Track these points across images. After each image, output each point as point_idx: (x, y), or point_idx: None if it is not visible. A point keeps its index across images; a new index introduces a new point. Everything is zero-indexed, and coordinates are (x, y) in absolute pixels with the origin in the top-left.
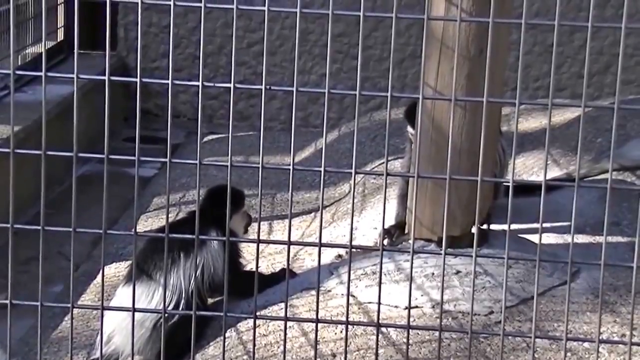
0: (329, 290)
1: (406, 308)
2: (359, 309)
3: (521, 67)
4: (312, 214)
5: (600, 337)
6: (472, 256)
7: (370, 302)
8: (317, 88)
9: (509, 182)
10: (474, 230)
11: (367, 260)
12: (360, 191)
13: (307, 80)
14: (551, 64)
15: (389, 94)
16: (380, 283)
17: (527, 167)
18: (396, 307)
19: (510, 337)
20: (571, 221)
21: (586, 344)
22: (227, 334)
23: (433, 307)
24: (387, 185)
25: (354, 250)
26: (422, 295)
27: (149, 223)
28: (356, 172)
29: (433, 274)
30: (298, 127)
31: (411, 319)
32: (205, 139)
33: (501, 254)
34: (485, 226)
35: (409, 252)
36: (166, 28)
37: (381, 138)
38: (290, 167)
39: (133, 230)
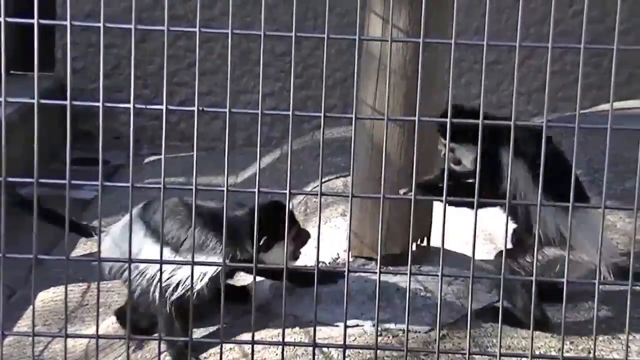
0: (271, 311)
1: (347, 327)
2: (300, 329)
3: (451, 86)
4: None
5: (536, 352)
6: (406, 274)
7: (311, 322)
8: (264, 108)
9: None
10: (414, 247)
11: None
12: (302, 210)
13: (250, 100)
14: (492, 80)
15: (322, 114)
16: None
17: None
18: (337, 326)
19: (449, 355)
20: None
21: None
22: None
23: (374, 325)
24: (328, 205)
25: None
26: (362, 314)
27: (88, 246)
28: (291, 193)
29: (373, 292)
30: (241, 146)
31: (352, 338)
32: (147, 160)
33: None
34: (425, 243)
35: (344, 271)
36: (106, 48)
37: (324, 157)
38: (225, 189)
39: (65, 255)
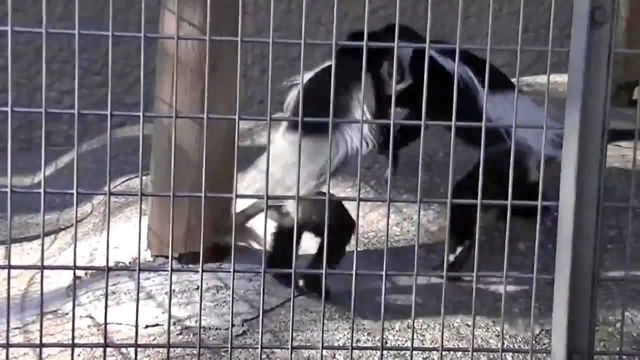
0: (67, 313)
1: (147, 326)
2: (98, 330)
3: (238, 84)
4: (52, 235)
5: (333, 344)
6: (199, 271)
7: (110, 323)
8: (62, 106)
9: (232, 196)
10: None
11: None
12: (102, 210)
13: (48, 97)
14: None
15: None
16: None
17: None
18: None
19: (250, 350)
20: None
21: (324, 352)
22: None
23: (175, 324)
24: (129, 204)
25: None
26: (163, 313)
27: None
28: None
29: (174, 290)
30: (39, 145)
31: (152, 338)
32: None
33: (244, 268)
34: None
35: (135, 270)
36: None
37: (124, 155)
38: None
39: None
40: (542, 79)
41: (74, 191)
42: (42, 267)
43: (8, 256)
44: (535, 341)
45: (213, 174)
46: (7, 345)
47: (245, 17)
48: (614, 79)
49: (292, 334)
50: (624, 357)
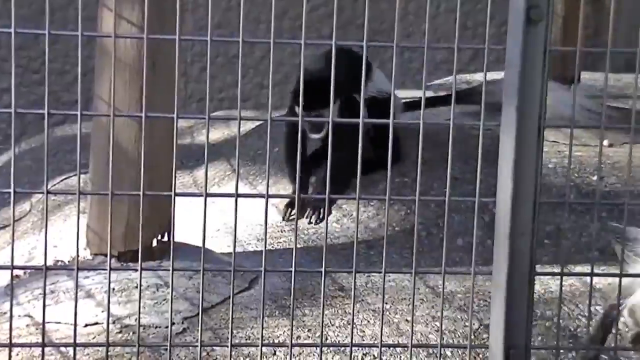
0: (5, 313)
1: (86, 325)
2: (37, 329)
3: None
4: None
5: (274, 341)
6: (136, 270)
7: (49, 322)
8: (1, 104)
9: (171, 194)
10: (155, 243)
11: (47, 279)
12: (40, 209)
13: None
14: (235, 75)
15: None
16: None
17: (209, 178)
18: (77, 324)
19: (190, 348)
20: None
21: (264, 349)
22: None
23: (114, 322)
24: (68, 202)
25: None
26: (102, 312)
27: None
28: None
29: (114, 289)
30: None
31: (91, 336)
32: None
33: (182, 266)
34: (166, 238)
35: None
36: None
37: (63, 154)
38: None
39: None
40: (480, 76)
41: (11, 190)
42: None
43: None
44: (475, 336)
45: (152, 172)
46: None
47: (185, 15)
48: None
49: (231, 331)
50: (561, 351)
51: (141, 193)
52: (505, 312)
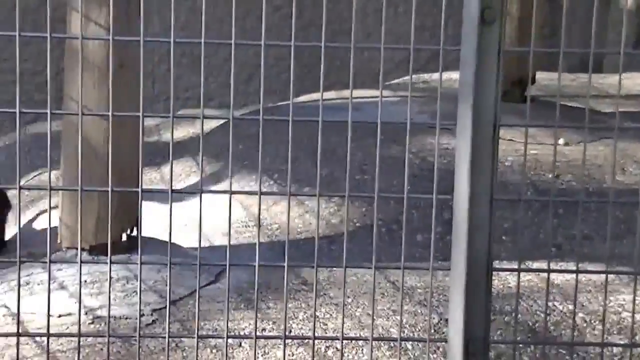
0: None
1: (60, 316)
2: (12, 320)
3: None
4: None
5: (239, 333)
6: (107, 263)
7: (24, 313)
8: None
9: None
10: (125, 237)
11: (21, 271)
12: (15, 203)
13: None
14: (199, 75)
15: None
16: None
17: (175, 174)
18: (51, 315)
19: (160, 339)
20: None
21: (230, 340)
22: None
23: (86, 313)
24: (41, 197)
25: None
26: (75, 303)
27: None
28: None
29: (86, 281)
30: None
31: (64, 327)
32: None
33: (150, 259)
34: (135, 233)
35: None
36: None
37: (36, 151)
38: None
39: None
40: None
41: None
42: None
43: None
44: (435, 330)
45: (120, 168)
46: None
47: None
48: (507, 76)
49: (197, 323)
50: (520, 345)
51: (109, 189)
52: (464, 305)
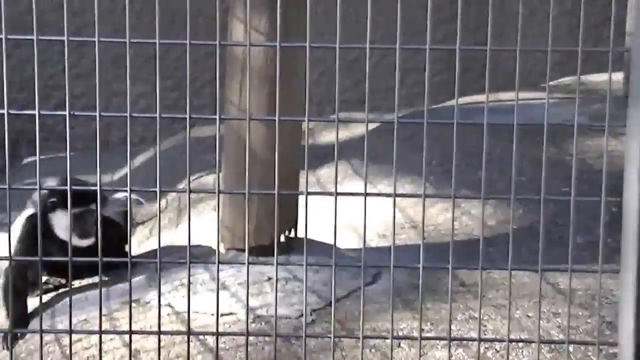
0: (148, 302)
1: (222, 315)
2: (177, 318)
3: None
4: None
5: (397, 334)
6: (273, 264)
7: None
8: (138, 109)
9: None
10: (282, 239)
11: (184, 272)
12: (175, 206)
13: (121, 102)
14: (351, 79)
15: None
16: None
17: (331, 178)
18: (212, 314)
19: (319, 338)
20: (368, 228)
21: (388, 341)
22: (50, 348)
23: (248, 313)
24: (201, 200)
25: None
26: (236, 303)
27: None
28: (162, 191)
29: (247, 281)
30: (118, 145)
31: (226, 326)
32: (25, 161)
33: (310, 260)
34: (293, 234)
35: (214, 263)
36: None
37: (194, 155)
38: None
39: None
40: (592, 77)
41: (157, 189)
42: (130, 259)
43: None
44: (597, 333)
45: (279, 171)
46: (100, 332)
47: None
48: None
49: (362, 323)
50: None
51: (275, 192)
52: (634, 309)
